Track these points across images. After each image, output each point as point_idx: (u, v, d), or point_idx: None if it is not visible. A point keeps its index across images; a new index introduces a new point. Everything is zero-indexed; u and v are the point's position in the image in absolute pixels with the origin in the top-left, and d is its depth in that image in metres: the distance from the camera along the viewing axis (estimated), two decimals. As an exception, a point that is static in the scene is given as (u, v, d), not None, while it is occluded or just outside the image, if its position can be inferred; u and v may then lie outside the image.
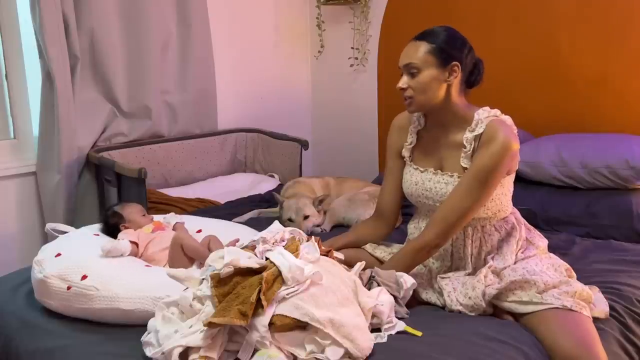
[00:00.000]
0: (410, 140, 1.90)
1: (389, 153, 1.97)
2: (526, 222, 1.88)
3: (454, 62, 1.72)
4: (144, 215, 2.08)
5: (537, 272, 1.67)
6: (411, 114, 1.89)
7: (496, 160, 1.67)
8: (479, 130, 1.72)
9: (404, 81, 1.75)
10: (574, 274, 1.77)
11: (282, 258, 1.43)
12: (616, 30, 2.60)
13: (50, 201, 2.84)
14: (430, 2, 3.20)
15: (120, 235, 1.93)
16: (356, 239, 1.97)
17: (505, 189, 1.77)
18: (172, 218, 2.12)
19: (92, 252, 1.82)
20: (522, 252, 1.77)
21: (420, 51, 1.72)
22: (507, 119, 1.78)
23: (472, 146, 1.73)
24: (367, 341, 1.40)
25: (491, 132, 1.70)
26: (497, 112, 1.77)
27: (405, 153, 1.91)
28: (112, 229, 2.03)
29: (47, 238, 2.21)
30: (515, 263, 1.73)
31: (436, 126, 1.84)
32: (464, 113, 1.77)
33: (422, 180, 1.82)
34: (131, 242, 1.87)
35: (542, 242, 1.84)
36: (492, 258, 1.75)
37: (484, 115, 1.74)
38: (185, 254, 1.87)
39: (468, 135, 1.74)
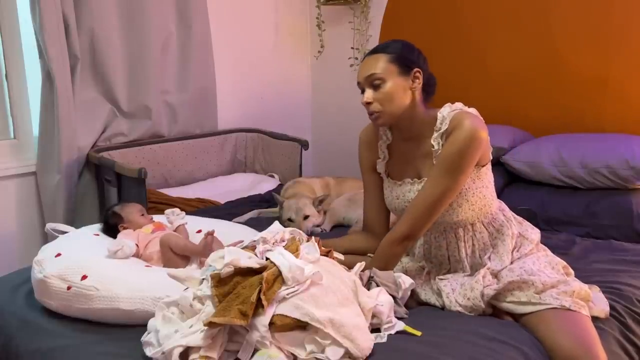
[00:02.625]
0: (382, 156, 1.87)
1: (362, 169, 1.94)
2: (515, 215, 1.86)
3: (416, 69, 1.71)
4: (142, 215, 2.08)
5: (535, 271, 1.66)
6: (377, 129, 1.87)
7: (461, 146, 1.63)
8: (444, 127, 1.69)
9: (368, 95, 1.70)
10: (571, 271, 1.77)
11: (282, 258, 1.43)
12: (616, 30, 2.60)
13: (50, 201, 2.84)
14: (430, 3, 3.20)
15: (119, 235, 1.93)
16: (350, 246, 1.93)
17: (485, 181, 1.75)
18: (177, 218, 2.10)
19: (92, 252, 1.82)
20: (517, 251, 1.76)
21: (380, 62, 1.69)
22: (472, 110, 1.74)
23: (441, 144, 1.70)
24: (367, 341, 1.40)
25: (455, 122, 1.66)
26: (459, 105, 1.74)
27: (380, 169, 1.88)
28: (111, 229, 2.03)
29: (47, 238, 2.21)
30: (512, 263, 1.72)
31: (404, 139, 1.80)
32: (429, 118, 1.73)
33: (402, 193, 1.80)
34: None
35: (534, 234, 1.82)
36: (489, 258, 1.74)
37: (446, 112, 1.71)
38: (176, 254, 1.88)
39: (435, 135, 1.71)
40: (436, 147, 1.71)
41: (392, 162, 1.86)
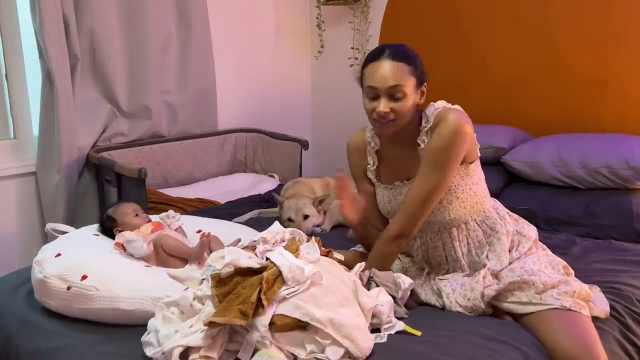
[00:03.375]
0: (372, 162, 1.87)
1: (354, 177, 1.93)
2: (510, 213, 1.86)
3: (425, 84, 1.71)
4: (137, 215, 2.04)
5: (536, 271, 1.66)
6: (364, 136, 1.87)
7: (446, 140, 1.63)
8: (429, 125, 1.69)
9: (385, 104, 1.63)
10: (571, 271, 1.77)
11: (282, 258, 1.43)
12: (616, 30, 2.60)
13: (50, 201, 2.84)
14: (430, 3, 3.20)
15: (118, 236, 1.93)
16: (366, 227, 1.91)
17: (474, 178, 1.75)
18: (173, 221, 2.10)
19: (92, 252, 1.82)
20: (516, 250, 1.76)
21: (404, 73, 1.63)
22: (456, 106, 1.73)
23: (426, 141, 1.70)
24: (367, 341, 1.40)
25: (439, 118, 1.67)
26: (442, 102, 1.73)
27: (371, 175, 1.88)
28: (108, 232, 2.03)
29: (47, 238, 2.21)
30: (511, 263, 1.72)
31: (393, 143, 1.80)
32: (416, 120, 1.73)
33: (393, 196, 1.81)
34: None
35: (531, 231, 1.82)
36: (487, 257, 1.74)
37: (430, 111, 1.71)
38: (169, 254, 1.88)
39: (420, 134, 1.72)
40: (422, 145, 1.71)
41: (381, 166, 1.86)
